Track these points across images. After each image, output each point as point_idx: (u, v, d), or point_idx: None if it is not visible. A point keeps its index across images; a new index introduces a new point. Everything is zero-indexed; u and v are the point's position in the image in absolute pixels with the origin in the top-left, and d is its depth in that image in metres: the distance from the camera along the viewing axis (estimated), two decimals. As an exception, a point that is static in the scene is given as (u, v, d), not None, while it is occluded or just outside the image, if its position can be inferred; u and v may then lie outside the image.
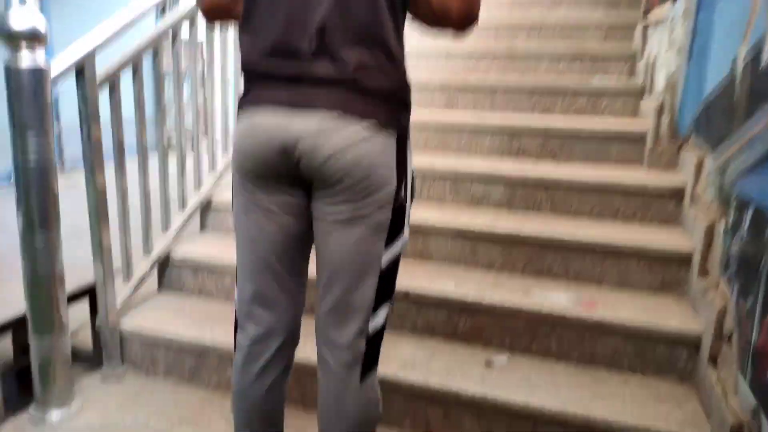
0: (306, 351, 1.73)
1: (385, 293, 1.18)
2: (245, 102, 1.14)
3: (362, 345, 1.17)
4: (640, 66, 2.89)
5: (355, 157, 1.06)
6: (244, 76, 1.15)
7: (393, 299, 1.22)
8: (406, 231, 1.19)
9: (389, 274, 1.18)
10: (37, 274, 1.61)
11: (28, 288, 1.62)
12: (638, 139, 2.42)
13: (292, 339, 1.27)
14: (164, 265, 2.19)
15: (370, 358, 1.19)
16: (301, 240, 1.21)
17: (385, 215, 1.12)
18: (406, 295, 1.91)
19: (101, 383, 1.89)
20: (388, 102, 1.11)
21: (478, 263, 2.11)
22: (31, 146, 1.52)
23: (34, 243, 1.58)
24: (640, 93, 2.72)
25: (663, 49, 2.59)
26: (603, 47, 3.13)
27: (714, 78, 1.98)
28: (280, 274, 1.21)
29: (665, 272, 1.94)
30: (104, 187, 1.80)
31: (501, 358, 1.81)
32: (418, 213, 2.18)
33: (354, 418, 1.18)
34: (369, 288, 1.15)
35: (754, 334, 1.39)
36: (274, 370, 1.24)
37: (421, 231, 2.14)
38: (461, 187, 2.34)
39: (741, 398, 1.40)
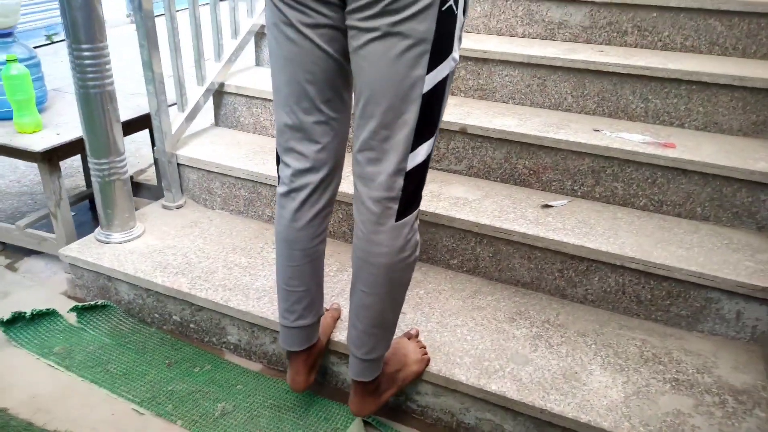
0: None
1: (428, 124, 1.04)
2: None
3: (400, 182, 1.06)
4: None
5: None
6: None
7: (437, 133, 1.09)
8: (456, 51, 1.02)
9: (434, 102, 1.02)
10: (87, 88, 1.59)
11: (80, 104, 1.62)
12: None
13: (333, 175, 1.20)
14: (219, 95, 2.15)
15: (409, 197, 1.09)
16: (338, 65, 1.08)
17: (429, 25, 0.95)
18: (463, 131, 1.79)
19: (162, 212, 1.96)
20: None
21: (545, 102, 1.93)
22: None
23: (82, 56, 1.56)
24: None
25: None
26: None
27: None
28: (318, 104, 1.11)
29: (760, 110, 1.70)
30: (152, 12, 1.72)
31: (560, 201, 1.70)
32: (482, 44, 1.99)
33: (388, 258, 1.10)
34: (409, 117, 1.02)
35: None
36: (314, 206, 1.19)
37: (483, 62, 1.95)
38: (536, 12, 2.09)
39: (828, 250, 1.25)
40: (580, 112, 1.90)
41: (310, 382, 1.35)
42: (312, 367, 1.35)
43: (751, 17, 1.84)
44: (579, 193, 1.74)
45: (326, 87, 1.10)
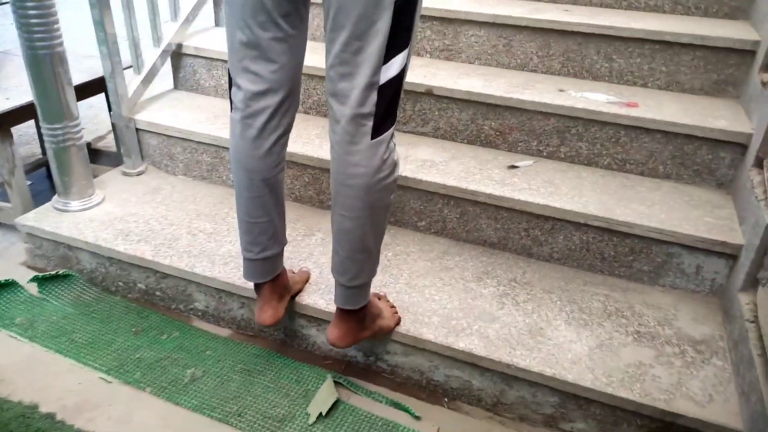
0: (323, 150, 1.70)
1: (401, 33, 0.99)
2: None
3: (373, 96, 1.03)
4: None
5: None
6: None
7: (412, 45, 1.05)
8: None
9: (407, 9, 0.98)
10: (34, 48, 1.51)
11: (29, 69, 1.55)
12: None
13: (292, 96, 1.16)
14: (178, 58, 2.08)
15: (383, 112, 1.04)
16: None
17: None
18: (429, 93, 1.77)
19: (122, 179, 1.91)
20: None
21: (511, 62, 1.92)
22: None
23: (27, 14, 1.47)
24: None
25: None
26: None
27: None
28: (276, 18, 1.06)
29: (721, 70, 1.72)
30: None
31: (525, 163, 1.71)
32: (448, 3, 1.96)
33: (366, 179, 1.06)
34: (382, 26, 0.97)
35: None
36: (273, 132, 1.15)
37: (449, 21, 1.93)
38: (500, -26, 2.06)
39: (782, 203, 1.29)
40: (545, 73, 1.90)
41: (278, 315, 1.32)
42: (279, 299, 1.33)
43: (712, -24, 1.85)
44: (544, 154, 1.75)
45: (284, 0, 1.06)
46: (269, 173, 1.18)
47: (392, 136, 1.10)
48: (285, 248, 1.33)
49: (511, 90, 1.74)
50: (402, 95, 1.10)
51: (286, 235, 1.32)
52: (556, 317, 1.39)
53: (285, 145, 1.20)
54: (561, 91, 1.75)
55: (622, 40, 1.78)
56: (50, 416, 1.28)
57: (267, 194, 1.20)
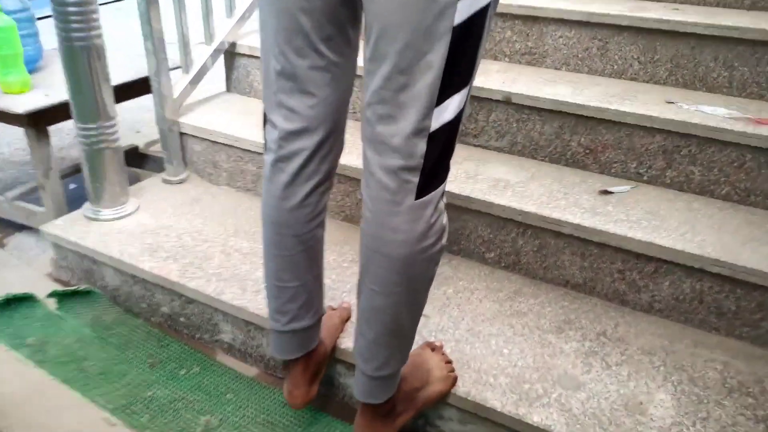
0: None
1: (460, 70, 0.77)
2: None
3: (422, 146, 0.80)
4: None
5: None
6: None
7: (472, 83, 0.81)
8: None
9: (469, 39, 0.76)
10: (71, 42, 1.38)
11: (64, 61, 1.42)
12: None
13: (333, 137, 0.94)
14: (231, 58, 1.91)
15: (433, 166, 0.82)
16: None
17: None
18: (507, 101, 1.51)
19: (162, 187, 1.75)
20: None
21: (606, 69, 1.63)
22: None
23: (65, 2, 1.34)
24: None
25: None
26: None
27: None
28: (315, 43, 0.85)
29: None
30: None
31: (621, 188, 1.41)
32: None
33: (406, 248, 0.84)
34: (434, 59, 0.74)
35: None
36: (309, 179, 0.94)
37: (533, 20, 1.65)
38: (596, -32, 1.77)
39: None
40: (648, 81, 1.60)
41: (311, 397, 1.11)
42: (312, 378, 1.11)
43: None
44: (645, 178, 1.44)
45: (326, 20, 0.83)
46: (302, 228, 0.97)
47: (442, 194, 0.86)
48: (328, 276, 1.09)
49: (606, 100, 1.45)
50: (461, 153, 0.86)
51: (330, 262, 1.10)
52: (659, 388, 1.08)
53: (324, 194, 0.98)
54: (669, 103, 1.44)
55: (748, 44, 1.45)
56: (41, 460, 1.10)
57: (299, 253, 0.99)
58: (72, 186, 2.04)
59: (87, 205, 1.58)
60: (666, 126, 1.36)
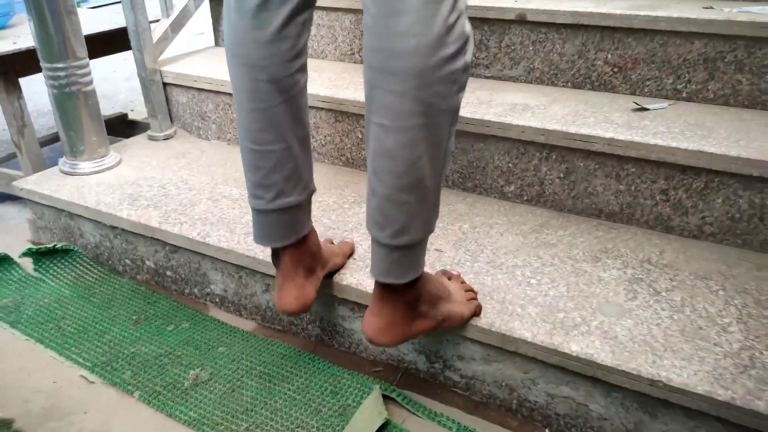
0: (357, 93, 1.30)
1: None
2: None
3: None
4: None
5: None
6: None
7: None
8: None
9: None
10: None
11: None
12: None
13: None
14: (218, 8, 1.76)
15: None
16: None
17: None
18: (522, 19, 1.34)
19: (147, 143, 1.61)
20: None
21: (631, -20, 1.46)
22: None
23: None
24: None
25: None
26: None
27: None
28: None
29: None
30: None
31: (659, 105, 1.24)
32: None
33: (419, 60, 0.65)
34: None
35: None
36: (284, 3, 0.75)
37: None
38: None
39: None
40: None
41: (306, 299, 0.90)
42: (307, 273, 0.92)
43: None
44: (684, 95, 1.27)
45: None
46: (282, 70, 0.78)
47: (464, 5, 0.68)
48: (328, 216, 0.92)
49: (635, 6, 1.28)
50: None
51: (329, 204, 0.96)
52: (721, 312, 0.91)
53: (305, 27, 0.79)
54: (707, 8, 1.27)
55: (796, -62, 1.28)
56: (6, 424, 0.96)
57: (280, 105, 0.80)
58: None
59: (63, 159, 1.45)
60: (706, 29, 1.19)
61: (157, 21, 1.60)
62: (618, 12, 1.26)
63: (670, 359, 0.82)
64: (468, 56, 0.69)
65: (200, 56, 1.70)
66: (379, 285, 0.80)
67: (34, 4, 1.27)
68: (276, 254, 0.92)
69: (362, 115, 1.34)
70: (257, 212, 0.87)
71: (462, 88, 0.70)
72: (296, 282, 0.90)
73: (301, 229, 0.89)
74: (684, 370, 0.80)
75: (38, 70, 1.53)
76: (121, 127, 2.01)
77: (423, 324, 0.84)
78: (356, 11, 1.52)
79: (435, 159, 0.72)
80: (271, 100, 0.79)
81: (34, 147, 1.55)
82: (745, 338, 0.85)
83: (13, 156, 1.68)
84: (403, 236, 0.75)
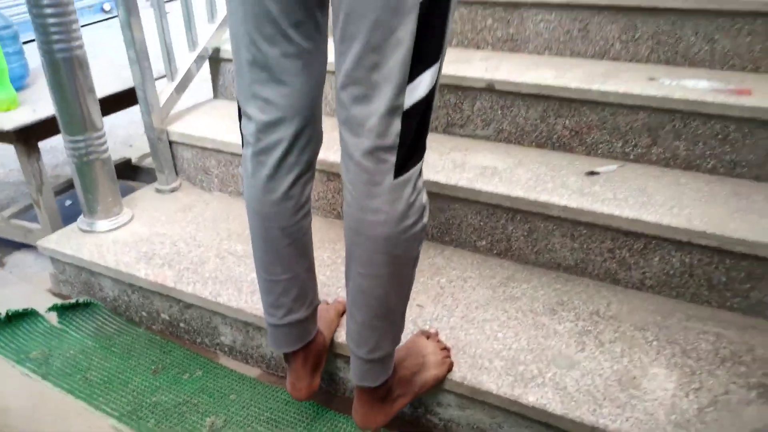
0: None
1: (430, 44, 0.78)
2: None
3: (397, 124, 0.80)
4: None
5: None
6: None
7: (442, 58, 0.82)
8: None
9: (436, 13, 0.76)
10: (53, 55, 1.39)
11: (48, 75, 1.43)
12: None
13: (311, 127, 0.94)
14: (216, 66, 1.92)
15: (409, 144, 0.82)
16: None
17: None
18: (490, 88, 1.52)
19: (154, 196, 1.77)
20: None
21: (588, 50, 1.63)
22: None
23: (43, 13, 1.35)
24: None
25: None
26: None
27: None
28: (284, 29, 0.84)
29: None
30: None
31: (608, 168, 1.42)
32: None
33: (388, 228, 0.85)
34: (404, 35, 0.75)
35: None
36: (290, 171, 0.94)
37: (514, 7, 1.66)
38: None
39: None
40: (630, 60, 1.60)
41: (313, 388, 1.12)
42: (314, 369, 1.13)
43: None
44: (632, 156, 1.45)
45: (294, 5, 0.83)
46: (288, 221, 0.98)
47: (420, 172, 0.87)
48: (322, 273, 1.11)
49: (589, 80, 1.46)
50: (432, 119, 0.86)
51: (324, 259, 1.13)
52: (652, 363, 1.10)
53: (307, 185, 0.99)
54: (651, 79, 1.45)
55: (728, 16, 1.46)
56: (52, 471, 1.12)
57: (288, 246, 0.99)
58: (68, 203, 2.05)
59: (81, 218, 1.60)
60: (648, 102, 1.37)
61: (163, 77, 1.76)
62: (574, 85, 1.43)
63: (609, 407, 1.01)
64: (425, 219, 0.89)
65: (202, 112, 1.85)
66: (357, 386, 1.02)
67: (57, 86, 1.43)
68: (287, 354, 1.10)
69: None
70: (271, 326, 1.06)
71: (421, 242, 0.91)
72: (305, 379, 1.11)
73: (307, 336, 1.09)
74: (618, 417, 0.98)
75: (56, 133, 1.68)
76: (126, 171, 2.16)
77: (401, 402, 1.05)
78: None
79: (400, 293, 0.94)
80: (280, 242, 0.99)
81: (51, 203, 1.70)
82: (670, 386, 1.04)
83: (29, 208, 1.83)
84: (376, 352, 0.96)
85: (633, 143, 1.44)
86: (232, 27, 0.89)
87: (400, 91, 0.79)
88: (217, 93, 1.99)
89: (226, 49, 1.86)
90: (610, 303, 1.26)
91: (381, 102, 0.79)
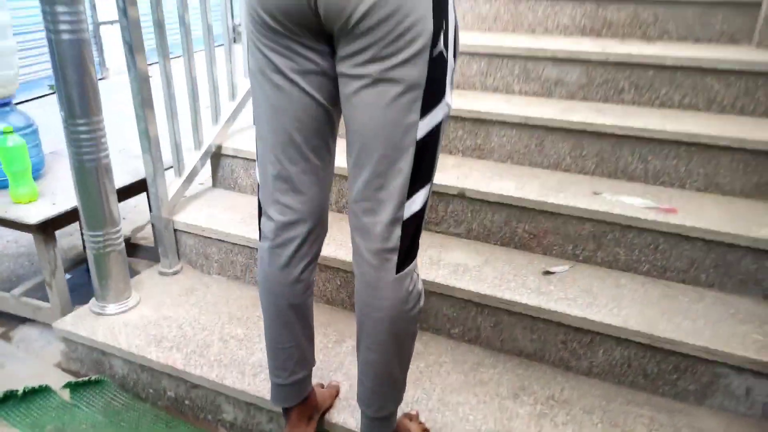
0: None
1: (423, 172, 1.02)
2: None
3: (397, 232, 1.04)
4: None
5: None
6: None
7: (433, 179, 1.06)
8: (449, 96, 1.01)
9: (429, 148, 1.00)
10: (82, 163, 1.58)
11: (75, 179, 1.61)
12: (752, 3, 2.03)
13: (320, 226, 1.17)
14: (217, 158, 2.14)
15: (406, 247, 1.06)
16: (326, 112, 1.07)
17: (420, 71, 0.94)
18: (462, 195, 1.77)
19: (158, 279, 1.94)
20: None
21: (543, 162, 1.92)
22: (61, 15, 1.43)
23: (77, 130, 1.55)
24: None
25: None
26: None
27: None
28: (305, 152, 1.09)
29: (762, 173, 1.68)
30: (146, 73, 1.72)
31: (561, 268, 1.67)
32: (481, 103, 1.98)
33: (391, 312, 1.07)
34: (404, 165, 0.99)
35: None
36: (302, 260, 1.16)
37: (481, 122, 1.95)
38: (532, 71, 2.09)
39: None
40: (579, 173, 1.89)
41: None
42: (309, 419, 1.31)
43: (747, 76, 1.84)
44: (581, 258, 1.71)
45: (313, 134, 1.08)
46: (297, 299, 1.19)
47: (415, 266, 1.11)
48: (316, 356, 1.32)
49: (544, 193, 1.72)
50: (426, 241, 1.11)
51: (317, 343, 1.33)
52: (597, 443, 1.32)
53: (313, 270, 1.21)
54: (596, 194, 1.73)
55: (657, 142, 1.76)
56: None
57: (294, 320, 1.20)
58: (67, 276, 2.19)
59: (93, 301, 1.76)
60: (593, 216, 1.64)
61: (170, 167, 1.96)
62: (531, 197, 1.70)
63: (561, 482, 1.21)
64: (421, 302, 1.12)
65: (204, 202, 2.06)
66: None
67: (84, 189, 1.61)
68: (286, 409, 1.28)
69: (339, 268, 1.72)
70: (277, 385, 1.25)
71: (417, 321, 1.13)
72: (301, 429, 1.28)
73: (305, 392, 1.28)
74: (569, 491, 1.19)
75: (72, 222, 1.86)
76: (126, 247, 2.32)
77: None
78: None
79: (402, 363, 1.15)
80: (289, 316, 1.20)
81: (62, 285, 1.85)
82: (611, 464, 1.26)
83: (38, 284, 1.97)
84: (383, 411, 1.16)
85: (581, 247, 1.70)
86: (261, 148, 1.12)
87: (401, 206, 1.03)
88: (216, 183, 2.20)
89: (227, 146, 2.09)
90: (563, 388, 1.48)
91: (385, 215, 1.03)
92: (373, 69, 0.94)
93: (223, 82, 2.11)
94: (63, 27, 1.45)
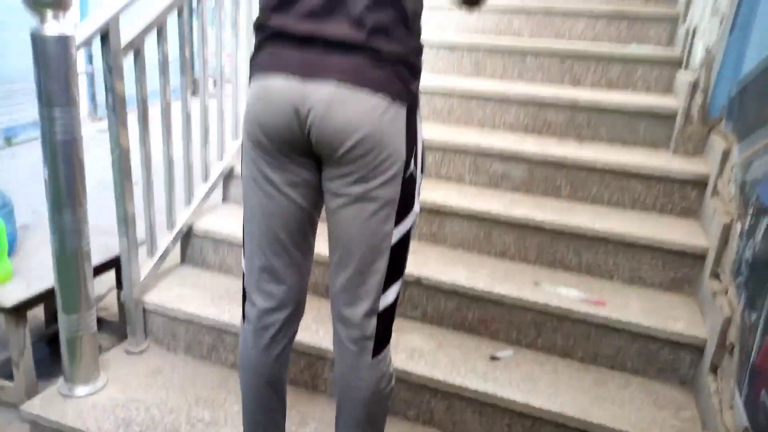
0: (318, 335, 1.83)
1: (396, 270, 1.21)
2: (256, 65, 1.15)
3: (373, 322, 1.21)
4: (680, 33, 2.73)
5: (365, 131, 1.07)
6: (255, 31, 1.17)
7: (403, 274, 1.24)
8: (417, 205, 1.21)
9: (400, 251, 1.20)
10: (65, 252, 1.66)
11: (56, 266, 1.68)
12: (669, 116, 2.33)
13: (298, 309, 1.34)
14: (187, 237, 2.25)
15: (381, 335, 1.23)
16: (311, 216, 1.25)
17: (395, 190, 1.13)
18: (419, 282, 1.94)
19: (125, 358, 2.00)
20: (401, 70, 1.10)
21: (491, 250, 2.12)
22: (57, 119, 1.55)
23: (62, 221, 1.63)
24: (677, 63, 2.59)
25: (705, 16, 2.43)
26: (645, 9, 2.94)
27: (755, 56, 1.86)
28: (289, 248, 1.25)
29: (678, 269, 1.93)
30: (128, 150, 1.83)
31: (506, 353, 1.85)
32: (436, 193, 2.18)
33: (368, 392, 1.24)
34: (380, 266, 1.18)
35: (754, 350, 1.39)
36: (281, 341, 1.32)
37: (437, 212, 2.14)
38: (481, 165, 2.31)
39: (736, 414, 1.42)
40: (522, 261, 2.10)
41: None
42: None
43: (665, 181, 2.11)
44: (524, 344, 1.89)
45: (297, 233, 1.25)
46: (275, 376, 1.34)
47: (388, 350, 1.28)
48: None
49: (491, 283, 1.91)
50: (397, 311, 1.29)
51: None
52: None
53: (290, 348, 1.37)
54: (536, 284, 1.93)
55: (588, 239, 1.99)
56: None
57: (272, 394, 1.35)
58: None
59: (62, 382, 1.81)
60: (533, 307, 1.84)
61: (141, 243, 2.05)
62: (479, 287, 1.88)
63: None
64: (392, 382, 1.29)
65: (172, 280, 2.15)
66: None
67: (63, 276, 1.69)
68: None
69: (304, 351, 1.85)
70: None
71: (390, 399, 1.31)
72: None
73: None
74: None
75: (44, 302, 1.91)
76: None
77: None
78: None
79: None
80: (266, 390, 1.34)
81: (29, 365, 1.90)
82: None
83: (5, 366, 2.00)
84: None
85: (524, 334, 1.88)
86: (248, 243, 1.28)
87: (377, 299, 1.21)
88: (184, 259, 2.30)
89: (198, 227, 2.21)
90: (508, 469, 1.64)
91: (364, 307, 1.21)
92: (356, 190, 1.13)
93: (198, 164, 2.24)
94: (58, 129, 1.56)
